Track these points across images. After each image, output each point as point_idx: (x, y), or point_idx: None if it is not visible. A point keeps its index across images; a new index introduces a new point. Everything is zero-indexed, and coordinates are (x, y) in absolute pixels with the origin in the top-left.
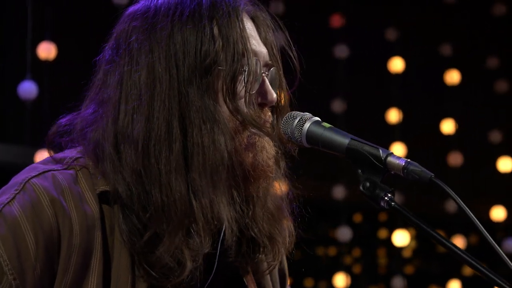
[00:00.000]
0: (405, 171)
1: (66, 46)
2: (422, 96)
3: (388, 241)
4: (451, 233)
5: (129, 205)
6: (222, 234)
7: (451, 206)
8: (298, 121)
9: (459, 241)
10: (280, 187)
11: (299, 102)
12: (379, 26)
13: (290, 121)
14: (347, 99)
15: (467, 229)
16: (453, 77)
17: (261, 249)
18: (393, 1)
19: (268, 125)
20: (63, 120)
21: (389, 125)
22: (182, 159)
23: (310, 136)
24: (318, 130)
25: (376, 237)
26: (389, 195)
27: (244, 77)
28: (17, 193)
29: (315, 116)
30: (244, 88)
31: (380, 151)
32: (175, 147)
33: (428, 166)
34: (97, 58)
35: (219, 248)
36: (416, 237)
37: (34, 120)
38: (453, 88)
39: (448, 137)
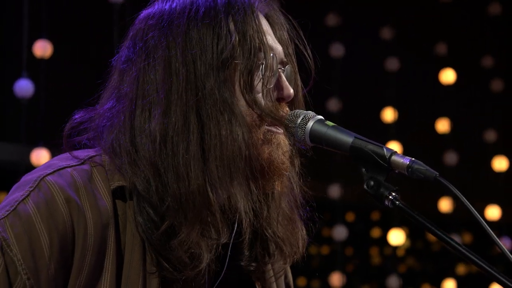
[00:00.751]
0: (410, 170)
1: (62, 44)
2: (418, 95)
3: (381, 240)
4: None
5: (146, 197)
6: (235, 226)
7: (444, 205)
8: (302, 119)
9: (457, 240)
10: (295, 187)
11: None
12: (375, 25)
13: (293, 120)
14: (343, 98)
15: (460, 228)
16: (448, 76)
17: (273, 253)
18: (389, 0)
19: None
20: (77, 116)
21: (385, 124)
22: (199, 151)
23: (313, 134)
24: (321, 128)
25: (369, 236)
26: (393, 194)
27: (261, 71)
28: (31, 191)
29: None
30: (262, 81)
31: (384, 150)
32: (193, 139)
33: None
34: (114, 59)
35: (231, 240)
36: (409, 236)
37: (30, 118)
38: (448, 87)
39: (443, 136)
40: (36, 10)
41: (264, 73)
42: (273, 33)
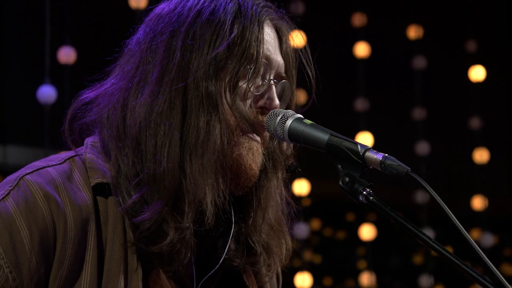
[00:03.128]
0: (383, 165)
1: (84, 50)
2: (447, 93)
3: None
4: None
5: (125, 171)
6: (232, 230)
7: (477, 203)
8: (281, 118)
9: (491, 238)
10: (281, 198)
11: (321, 101)
12: (402, 24)
13: (273, 118)
14: (370, 97)
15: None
16: (478, 73)
17: (255, 259)
18: None
19: (262, 129)
20: (83, 97)
21: (414, 123)
22: (177, 136)
23: (292, 132)
24: (299, 126)
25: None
26: (367, 189)
27: (248, 76)
28: (11, 189)
29: (335, 114)
30: (247, 86)
31: (359, 146)
32: (173, 124)
33: (454, 163)
34: (128, 40)
35: (229, 242)
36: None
37: (54, 124)
38: (478, 84)
39: (473, 133)
40: (59, 16)
41: (250, 78)
42: (279, 45)
